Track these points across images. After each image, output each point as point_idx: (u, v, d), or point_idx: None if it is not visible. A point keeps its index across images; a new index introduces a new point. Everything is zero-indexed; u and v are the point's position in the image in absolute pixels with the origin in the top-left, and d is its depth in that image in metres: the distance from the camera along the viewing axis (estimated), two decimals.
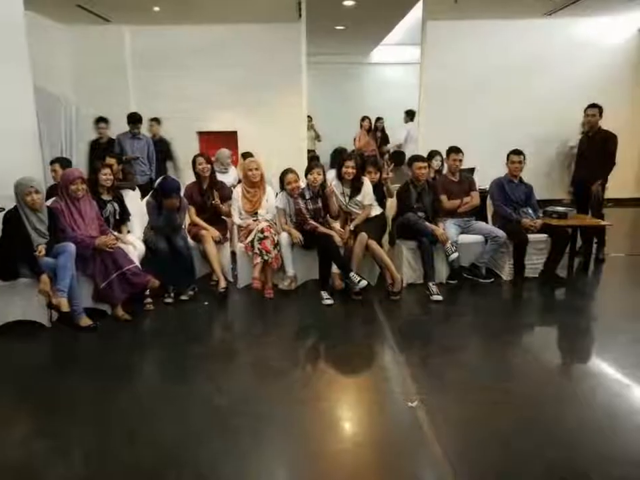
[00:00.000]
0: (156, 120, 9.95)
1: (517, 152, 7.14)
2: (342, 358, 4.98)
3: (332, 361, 5.00)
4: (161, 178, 7.02)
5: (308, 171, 6.54)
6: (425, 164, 6.85)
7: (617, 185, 8.53)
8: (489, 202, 7.40)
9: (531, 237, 6.85)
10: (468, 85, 11.33)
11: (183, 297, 6.36)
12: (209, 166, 6.90)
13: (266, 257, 6.30)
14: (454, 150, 7.24)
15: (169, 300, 6.27)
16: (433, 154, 7.94)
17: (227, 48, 11.29)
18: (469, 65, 11.31)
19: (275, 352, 5.10)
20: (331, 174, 7.08)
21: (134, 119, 9.06)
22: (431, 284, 6.46)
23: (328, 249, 6.21)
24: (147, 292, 6.06)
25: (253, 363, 4.93)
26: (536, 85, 11.33)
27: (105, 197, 6.36)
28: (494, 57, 11.30)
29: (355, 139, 13.52)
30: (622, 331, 5.50)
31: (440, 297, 6.29)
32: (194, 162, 6.94)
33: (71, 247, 5.42)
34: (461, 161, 7.23)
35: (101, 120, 9.21)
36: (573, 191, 8.27)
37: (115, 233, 6.15)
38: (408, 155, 8.96)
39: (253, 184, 6.80)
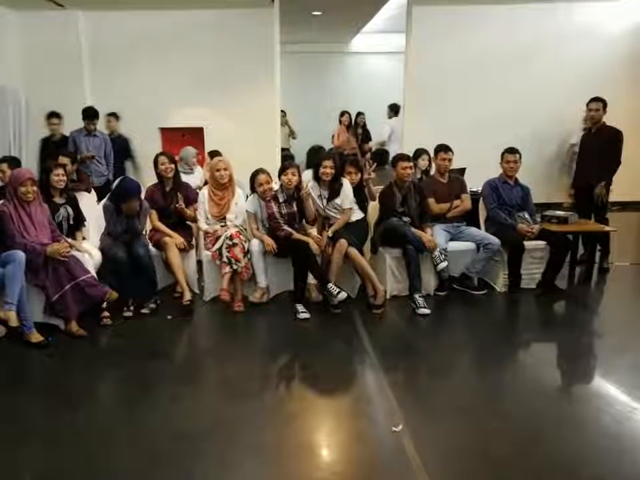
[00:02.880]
0: (114, 115, 9.99)
1: (512, 150, 7.23)
2: (319, 378, 5.04)
3: (308, 381, 5.07)
4: (119, 179, 7.05)
5: (282, 171, 6.55)
6: (410, 164, 6.92)
7: (622, 187, 8.63)
8: (481, 205, 7.49)
9: (527, 244, 6.93)
10: (458, 76, 11.38)
11: (144, 311, 6.39)
12: (172, 166, 6.94)
13: (235, 266, 6.36)
14: (443, 148, 7.30)
15: (129, 314, 6.30)
16: (419, 153, 7.96)
17: (193, 36, 11.28)
18: (460, 54, 11.37)
19: (244, 371, 5.15)
20: (307, 175, 7.10)
21: (90, 114, 9.05)
22: (417, 296, 6.48)
23: (304, 257, 6.25)
24: (104, 305, 6.05)
25: (220, 383, 5.01)
26: (535, 76, 11.40)
27: (58, 200, 6.41)
28: (487, 45, 11.37)
29: (333, 136, 13.48)
30: (627, 348, 5.59)
31: (427, 311, 6.34)
32: (156, 161, 6.97)
33: (20, 255, 5.44)
34: (450, 160, 7.31)
35: (53, 115, 9.20)
36: (574, 193, 8.34)
37: (69, 240, 6.17)
38: (392, 153, 8.98)
39: (221, 186, 6.86)
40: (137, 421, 4.30)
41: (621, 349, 5.57)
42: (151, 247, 6.66)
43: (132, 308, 6.32)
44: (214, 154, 8.30)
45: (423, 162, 7.90)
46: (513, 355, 5.61)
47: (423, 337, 6.09)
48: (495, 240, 6.86)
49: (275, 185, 6.68)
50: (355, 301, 6.72)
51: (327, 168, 6.58)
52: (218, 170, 6.82)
